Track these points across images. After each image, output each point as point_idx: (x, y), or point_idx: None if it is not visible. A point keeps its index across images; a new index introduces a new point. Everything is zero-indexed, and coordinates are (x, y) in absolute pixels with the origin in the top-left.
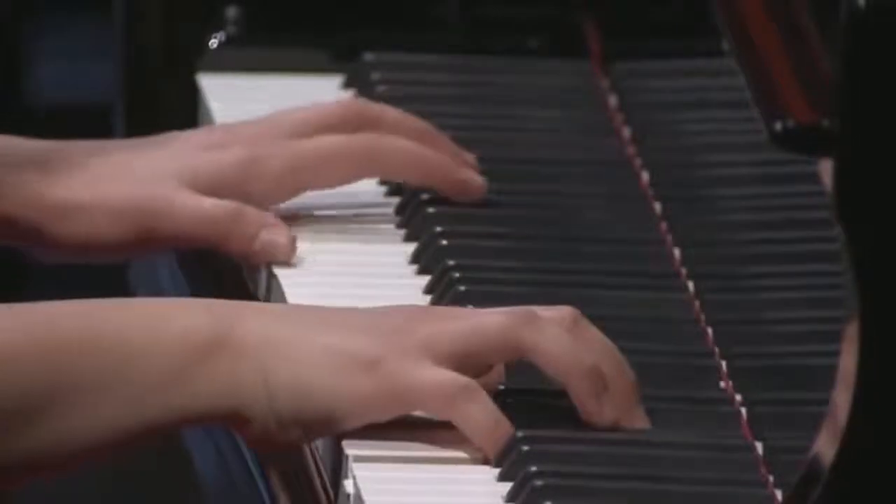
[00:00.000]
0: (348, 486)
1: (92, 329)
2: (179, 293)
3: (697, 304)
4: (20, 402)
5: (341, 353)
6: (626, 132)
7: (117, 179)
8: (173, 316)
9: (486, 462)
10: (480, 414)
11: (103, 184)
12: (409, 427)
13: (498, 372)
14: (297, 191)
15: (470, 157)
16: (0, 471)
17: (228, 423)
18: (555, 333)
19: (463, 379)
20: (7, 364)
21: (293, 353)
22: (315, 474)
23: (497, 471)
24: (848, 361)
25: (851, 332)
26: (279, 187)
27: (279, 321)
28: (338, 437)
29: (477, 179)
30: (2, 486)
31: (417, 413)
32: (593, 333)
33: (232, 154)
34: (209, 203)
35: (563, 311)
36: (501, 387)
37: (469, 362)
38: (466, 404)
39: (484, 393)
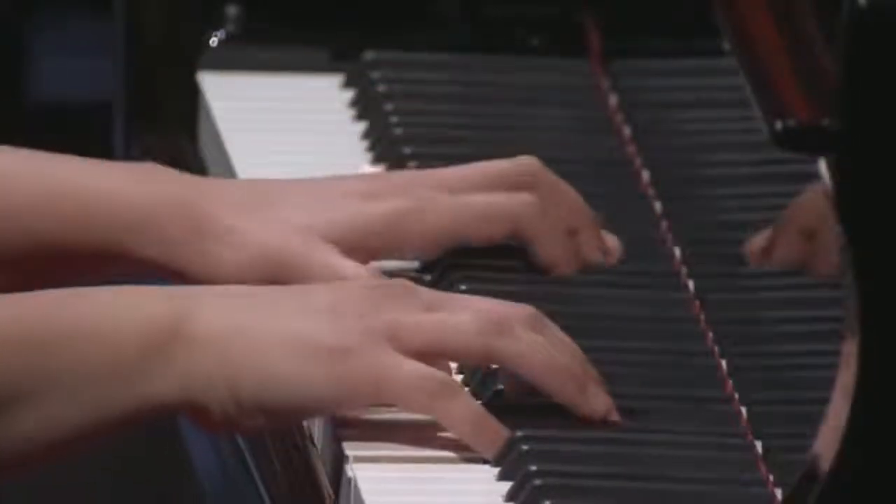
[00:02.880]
0: (348, 486)
1: (55, 321)
2: None
3: (697, 303)
4: None
5: (307, 340)
6: (627, 131)
7: (259, 226)
8: (133, 305)
9: (485, 461)
10: (464, 410)
11: (243, 230)
12: (409, 427)
13: (445, 367)
14: (452, 246)
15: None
16: None
17: (189, 412)
18: (530, 340)
19: (441, 374)
20: None
21: (255, 342)
22: (315, 474)
23: (497, 470)
24: (848, 361)
25: (852, 331)
26: (434, 242)
27: (241, 307)
28: (338, 438)
29: None
30: None
31: (416, 412)
32: (556, 331)
33: (389, 205)
34: (350, 270)
35: (528, 312)
36: (500, 386)
37: (433, 360)
38: (449, 401)
39: (463, 388)
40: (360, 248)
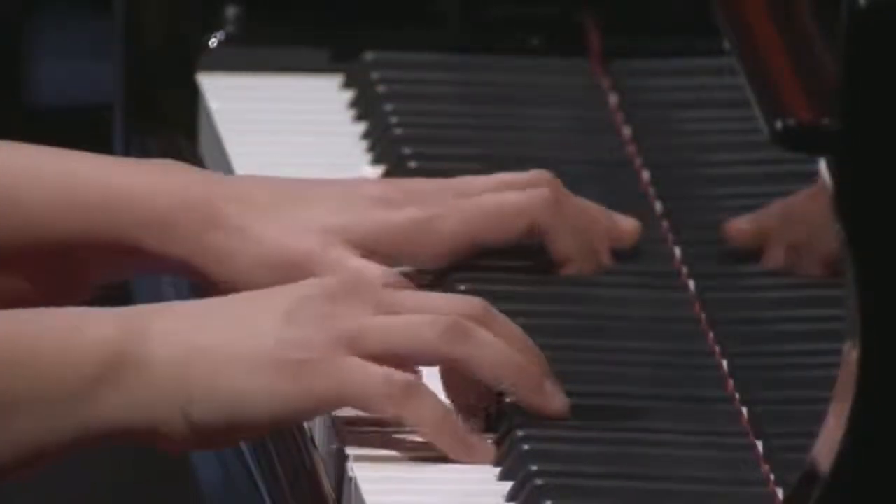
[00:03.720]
0: (349, 486)
1: (6, 343)
2: None
3: (697, 303)
4: None
5: (263, 355)
6: (627, 131)
7: (277, 227)
8: (84, 327)
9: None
10: (430, 411)
11: (261, 231)
12: (409, 427)
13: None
14: (468, 251)
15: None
16: None
17: (140, 435)
18: (488, 343)
19: (404, 376)
20: None
21: (210, 362)
22: (317, 475)
23: (497, 470)
24: (848, 361)
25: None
26: (452, 249)
27: (193, 326)
28: (339, 438)
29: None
30: None
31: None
32: (507, 325)
33: (403, 214)
34: (370, 271)
35: (475, 305)
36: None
37: (392, 362)
38: (414, 401)
39: (427, 387)
40: (377, 254)
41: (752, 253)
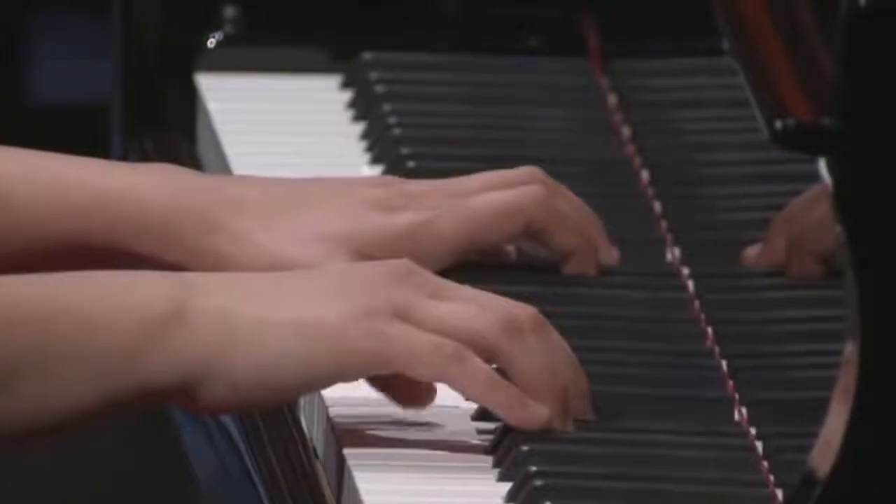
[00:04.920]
0: (348, 487)
1: (53, 302)
2: None
3: (697, 303)
4: None
5: (309, 319)
6: (626, 131)
7: (277, 235)
8: (132, 287)
9: (485, 462)
10: (480, 372)
11: (261, 238)
12: (408, 428)
13: None
14: (466, 252)
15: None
16: None
17: (181, 395)
18: (533, 350)
19: (453, 342)
20: None
21: (254, 322)
22: (315, 476)
23: (497, 471)
24: (848, 361)
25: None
26: (451, 250)
27: (242, 290)
28: (338, 439)
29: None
30: None
31: (415, 414)
32: (556, 338)
33: (402, 218)
34: None
35: (531, 317)
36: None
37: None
38: (463, 364)
39: (474, 355)
40: (376, 258)
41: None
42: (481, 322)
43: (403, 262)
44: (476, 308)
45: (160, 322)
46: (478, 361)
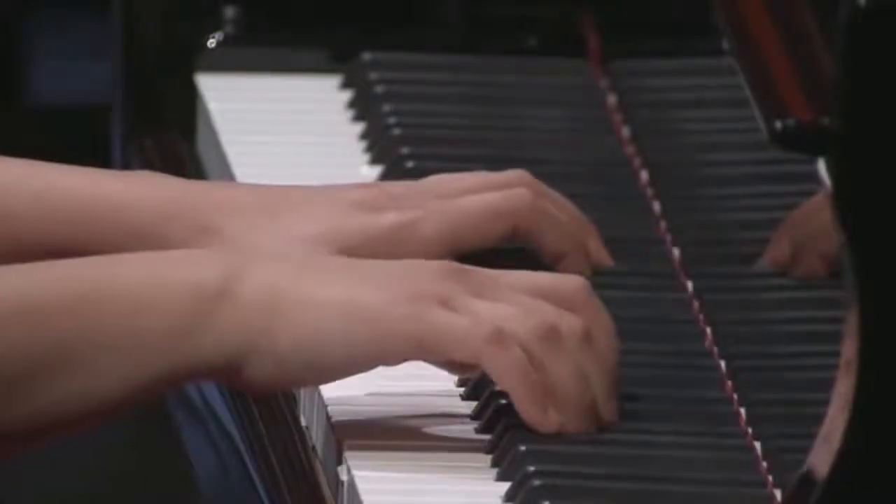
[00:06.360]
0: (347, 486)
1: (100, 283)
2: None
3: (697, 303)
4: (27, 361)
5: (352, 302)
6: (625, 131)
7: (266, 235)
8: (181, 266)
9: (485, 462)
10: (513, 360)
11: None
12: (408, 428)
13: None
14: (450, 254)
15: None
16: (8, 435)
17: (227, 372)
18: (565, 362)
19: (491, 325)
20: (16, 322)
21: (299, 303)
22: (315, 475)
23: (496, 470)
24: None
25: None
26: (436, 251)
27: (290, 271)
28: (337, 438)
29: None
30: (9, 453)
31: (415, 413)
32: (599, 351)
33: (386, 219)
34: None
35: (574, 328)
36: (499, 387)
37: None
38: (498, 348)
39: (514, 340)
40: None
41: (751, 253)
42: (519, 324)
43: (448, 263)
44: (518, 310)
45: (209, 302)
46: (516, 349)
